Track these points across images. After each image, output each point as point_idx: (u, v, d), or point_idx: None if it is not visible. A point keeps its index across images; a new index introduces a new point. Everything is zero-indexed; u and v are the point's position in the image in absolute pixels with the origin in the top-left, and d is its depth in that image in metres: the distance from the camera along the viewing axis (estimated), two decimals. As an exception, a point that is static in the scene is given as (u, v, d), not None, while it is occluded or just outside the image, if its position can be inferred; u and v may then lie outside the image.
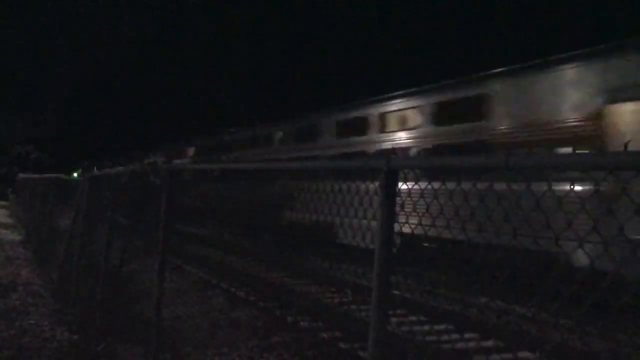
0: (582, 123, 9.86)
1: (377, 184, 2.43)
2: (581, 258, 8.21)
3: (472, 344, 7.65)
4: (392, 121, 14.88)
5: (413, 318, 9.11)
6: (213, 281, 11.84)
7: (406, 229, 2.72)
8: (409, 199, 2.59)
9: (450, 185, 2.36)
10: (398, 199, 2.42)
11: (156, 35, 40.29)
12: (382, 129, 15.20)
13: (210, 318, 8.47)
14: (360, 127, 16.04)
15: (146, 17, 39.93)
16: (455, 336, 8.00)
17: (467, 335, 7.92)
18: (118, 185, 6.85)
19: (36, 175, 21.33)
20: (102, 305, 6.66)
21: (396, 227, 2.41)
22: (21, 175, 30.19)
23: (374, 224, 2.42)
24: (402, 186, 2.46)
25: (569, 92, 10.24)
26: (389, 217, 2.39)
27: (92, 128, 41.95)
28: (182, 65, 39.27)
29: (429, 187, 2.52)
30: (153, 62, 39.82)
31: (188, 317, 8.07)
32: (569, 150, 9.68)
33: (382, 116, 15.31)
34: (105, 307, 6.64)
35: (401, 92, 14.82)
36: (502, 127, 11.54)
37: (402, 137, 14.34)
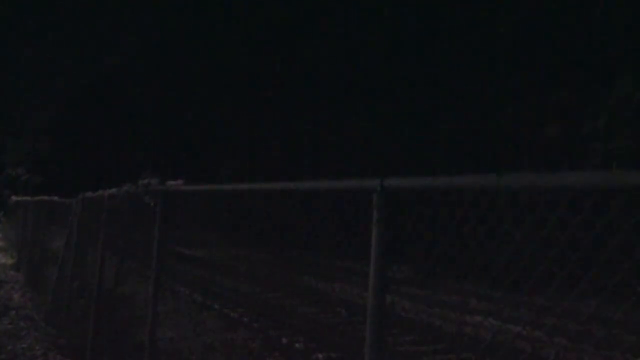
0: None
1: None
2: None
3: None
4: None
5: (408, 337, 9.07)
6: (207, 302, 11.77)
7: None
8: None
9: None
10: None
11: (155, 50, 40.18)
12: None
13: (204, 340, 8.40)
14: None
15: (143, 33, 39.96)
16: (451, 356, 7.98)
17: (463, 355, 7.90)
18: (111, 207, 6.83)
19: (28, 198, 21.24)
20: (95, 329, 6.61)
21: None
22: (13, 197, 30.04)
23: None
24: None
25: None
26: (383, 237, 2.40)
27: (87, 149, 41.77)
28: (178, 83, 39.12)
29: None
30: (149, 79, 39.76)
31: (182, 339, 8.01)
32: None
33: None
34: (99, 331, 6.59)
35: None
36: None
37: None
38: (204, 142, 36.76)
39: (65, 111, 43.09)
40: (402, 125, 22.03)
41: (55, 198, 13.34)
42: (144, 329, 5.18)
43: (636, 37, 15.33)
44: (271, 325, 9.82)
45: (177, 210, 5.02)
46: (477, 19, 19.80)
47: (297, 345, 8.68)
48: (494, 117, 18.72)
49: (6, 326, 9.20)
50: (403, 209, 2.51)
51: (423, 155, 20.43)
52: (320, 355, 8.15)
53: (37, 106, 42.93)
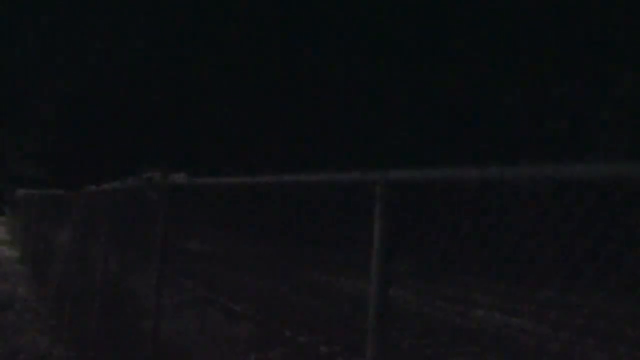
0: None
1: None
2: None
3: (471, 358, 7.62)
4: None
5: (412, 331, 9.07)
6: (211, 296, 11.80)
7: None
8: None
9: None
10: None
11: (158, 45, 40.03)
12: None
13: (207, 333, 8.43)
14: None
15: (148, 28, 39.88)
16: (454, 349, 7.97)
17: (466, 349, 7.89)
18: (115, 201, 6.84)
19: (33, 192, 21.30)
20: (99, 322, 6.63)
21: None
22: (18, 191, 30.14)
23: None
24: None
25: None
26: (386, 230, 2.38)
27: (92, 141, 41.79)
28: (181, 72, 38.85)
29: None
30: (154, 71, 39.63)
31: (185, 332, 8.03)
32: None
33: None
34: (102, 324, 6.61)
35: None
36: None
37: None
38: (207, 135, 36.73)
39: (70, 105, 43.16)
40: (405, 118, 22.01)
41: (60, 192, 13.36)
42: (147, 322, 5.18)
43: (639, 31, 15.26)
44: (275, 319, 9.83)
45: (180, 203, 5.01)
46: (481, 12, 19.72)
47: (300, 338, 8.69)
48: (497, 111, 18.67)
49: (11, 319, 9.24)
50: (406, 201, 2.50)
51: (426, 147, 20.43)
52: (323, 349, 8.16)
53: (42, 100, 43.00)
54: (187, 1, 37.80)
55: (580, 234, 1.96)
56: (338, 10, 26.36)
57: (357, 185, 2.61)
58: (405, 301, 10.84)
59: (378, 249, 2.39)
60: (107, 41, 41.79)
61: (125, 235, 6.54)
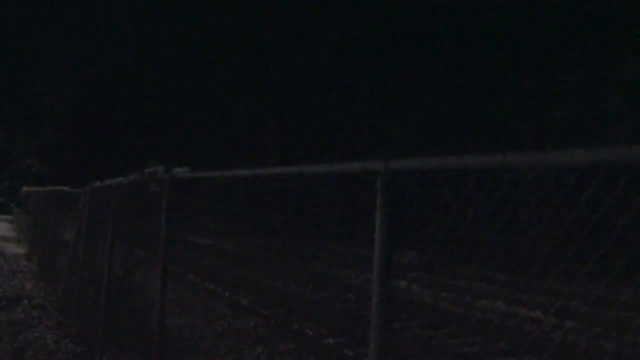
0: None
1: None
2: None
3: (476, 348, 7.62)
4: None
5: (416, 321, 9.07)
6: (217, 290, 11.82)
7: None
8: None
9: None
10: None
11: (157, 39, 39.99)
12: None
13: (214, 327, 8.45)
14: None
15: (147, 20, 39.86)
16: (459, 339, 7.97)
17: (471, 339, 7.88)
18: (119, 196, 6.85)
19: (39, 188, 21.37)
20: (106, 317, 6.65)
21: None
22: (24, 188, 30.25)
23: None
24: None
25: None
26: (388, 221, 2.37)
27: (95, 137, 41.87)
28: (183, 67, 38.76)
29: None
30: (154, 66, 39.60)
31: (192, 327, 8.06)
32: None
33: None
34: (109, 319, 6.63)
35: None
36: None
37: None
38: (208, 128, 36.74)
39: (73, 102, 43.24)
40: (407, 107, 21.94)
41: (66, 188, 13.39)
42: (154, 317, 5.19)
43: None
44: (281, 312, 9.85)
45: (183, 197, 5.01)
46: (482, 2, 19.63)
47: (307, 331, 8.71)
48: (502, 100, 18.59)
49: (18, 315, 9.28)
50: (408, 191, 2.49)
51: (428, 136, 20.34)
52: (330, 341, 8.17)
53: (45, 98, 43.12)
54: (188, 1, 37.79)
55: (583, 221, 1.94)
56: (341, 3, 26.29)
57: (359, 175, 2.60)
58: (408, 292, 10.84)
59: (380, 240, 2.38)
60: (111, 40, 41.85)
61: (131, 230, 6.56)
